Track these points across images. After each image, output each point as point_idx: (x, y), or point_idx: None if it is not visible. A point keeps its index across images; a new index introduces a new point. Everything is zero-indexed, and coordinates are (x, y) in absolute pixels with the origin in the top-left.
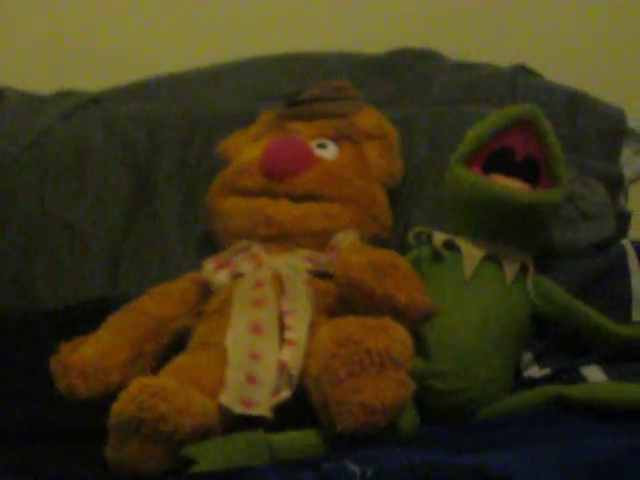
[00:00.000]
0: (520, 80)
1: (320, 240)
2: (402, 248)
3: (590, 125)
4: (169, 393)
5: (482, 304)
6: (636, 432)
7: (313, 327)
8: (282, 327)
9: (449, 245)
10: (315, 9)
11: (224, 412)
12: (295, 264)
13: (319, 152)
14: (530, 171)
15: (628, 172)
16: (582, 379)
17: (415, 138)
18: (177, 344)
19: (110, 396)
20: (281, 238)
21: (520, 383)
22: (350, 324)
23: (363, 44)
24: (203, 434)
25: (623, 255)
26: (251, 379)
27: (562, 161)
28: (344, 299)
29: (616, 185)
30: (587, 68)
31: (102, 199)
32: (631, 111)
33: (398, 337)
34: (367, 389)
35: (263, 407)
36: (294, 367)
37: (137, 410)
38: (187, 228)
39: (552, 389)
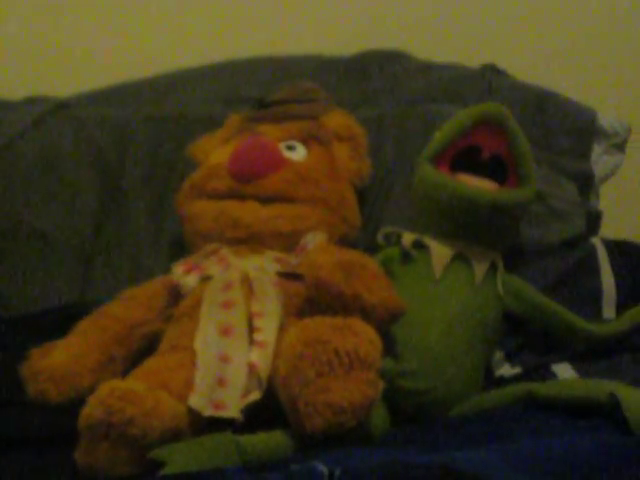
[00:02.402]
0: (490, 79)
1: (289, 242)
2: (371, 248)
3: (560, 124)
4: (137, 396)
5: (452, 303)
6: (602, 429)
7: (283, 328)
8: (251, 329)
9: (418, 245)
10: (283, 12)
11: (193, 414)
12: (264, 266)
13: (288, 154)
14: (498, 170)
15: (598, 171)
16: (553, 376)
17: (383, 138)
18: (149, 348)
19: (81, 401)
20: (249, 240)
21: (491, 382)
22: (318, 324)
23: (332, 46)
24: (172, 437)
25: (593, 253)
26: (220, 381)
27: (530, 159)
28: (313, 300)
29: (586, 184)
30: (556, 68)
31: (71, 204)
32: (601, 110)
33: (366, 337)
34: (335, 389)
35: (232, 409)
36: (263, 369)
37: (105, 414)
38: (157, 232)
39: (522, 387)
